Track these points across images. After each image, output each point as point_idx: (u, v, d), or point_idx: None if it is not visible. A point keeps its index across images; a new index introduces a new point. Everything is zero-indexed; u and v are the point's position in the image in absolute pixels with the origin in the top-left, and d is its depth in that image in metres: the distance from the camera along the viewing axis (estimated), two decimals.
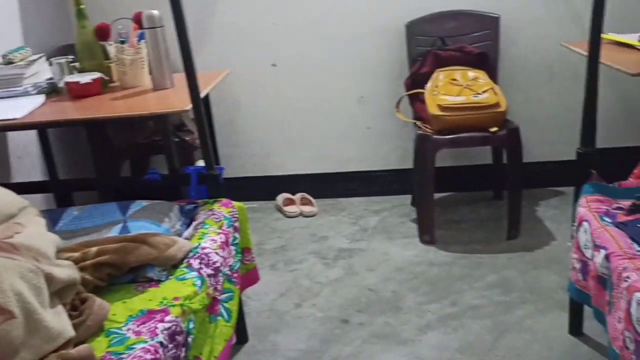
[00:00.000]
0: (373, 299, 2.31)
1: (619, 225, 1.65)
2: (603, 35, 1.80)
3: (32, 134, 2.58)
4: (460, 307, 2.22)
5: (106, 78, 2.23)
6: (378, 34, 2.95)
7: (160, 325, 1.39)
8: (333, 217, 3.02)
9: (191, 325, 1.50)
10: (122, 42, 2.21)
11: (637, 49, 2.08)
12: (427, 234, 2.69)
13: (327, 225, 2.94)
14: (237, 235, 1.90)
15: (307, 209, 3.06)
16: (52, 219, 1.81)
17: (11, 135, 2.46)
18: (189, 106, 1.90)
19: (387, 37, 2.94)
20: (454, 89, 2.57)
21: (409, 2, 2.87)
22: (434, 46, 2.82)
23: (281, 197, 3.14)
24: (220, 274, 1.71)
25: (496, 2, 2.84)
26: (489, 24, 2.84)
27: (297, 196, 3.13)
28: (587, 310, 1.88)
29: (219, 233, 1.79)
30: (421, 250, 2.63)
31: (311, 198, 3.13)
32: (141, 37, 2.21)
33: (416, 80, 2.75)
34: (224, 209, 1.90)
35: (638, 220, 1.65)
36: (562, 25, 2.83)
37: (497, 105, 2.50)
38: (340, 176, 3.19)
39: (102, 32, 2.24)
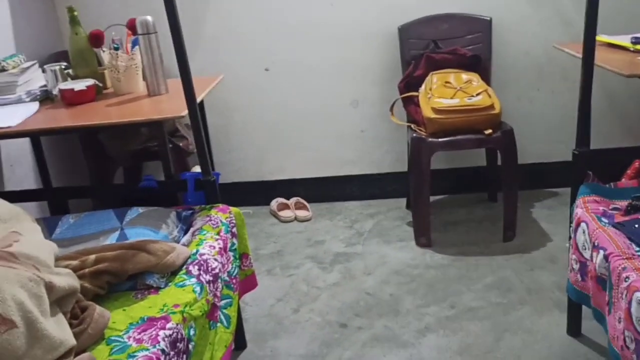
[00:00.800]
0: (371, 303, 2.31)
1: (617, 226, 1.66)
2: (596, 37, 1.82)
3: (25, 141, 2.55)
4: (459, 309, 2.22)
5: (100, 85, 2.22)
6: (371, 37, 2.96)
7: (162, 333, 1.38)
8: (328, 221, 3.02)
9: (192, 332, 1.49)
10: (116, 49, 2.20)
11: (629, 50, 2.10)
12: (423, 237, 2.69)
13: (323, 229, 2.94)
14: (235, 241, 1.89)
15: (301, 213, 3.06)
16: (48, 226, 1.80)
17: (3, 143, 2.44)
18: (185, 112, 1.90)
19: (381, 40, 2.95)
20: (447, 91, 2.58)
21: (402, 6, 2.88)
22: (427, 49, 2.83)
23: (275, 202, 3.13)
24: (219, 280, 1.70)
25: (487, 4, 2.86)
26: (481, 26, 2.85)
27: (292, 201, 3.13)
28: (585, 311, 1.89)
29: (217, 239, 1.78)
30: (418, 253, 2.64)
31: (306, 202, 3.12)
32: (135, 43, 2.20)
33: (410, 83, 2.76)
34: (221, 214, 1.90)
35: (635, 221, 1.67)
36: (551, 26, 2.85)
37: (491, 107, 2.51)
38: (335, 180, 3.19)
39: (96, 39, 2.23)
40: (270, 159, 3.19)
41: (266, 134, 3.15)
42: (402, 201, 3.08)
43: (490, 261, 2.51)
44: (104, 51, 2.28)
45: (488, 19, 2.85)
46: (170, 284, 1.58)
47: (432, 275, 2.46)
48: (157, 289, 1.57)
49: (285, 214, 3.06)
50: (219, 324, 1.68)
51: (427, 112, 2.55)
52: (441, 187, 3.07)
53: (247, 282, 2.02)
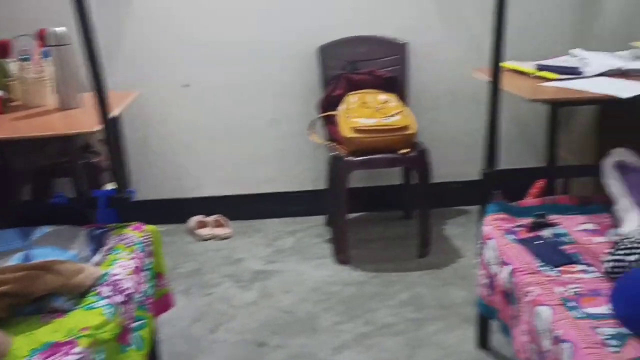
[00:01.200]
0: (289, 321, 2.31)
1: (521, 242, 1.75)
2: (503, 64, 1.92)
3: None
4: (374, 325, 2.25)
5: (7, 97, 2.11)
6: (291, 56, 2.99)
7: (67, 358, 1.32)
8: (248, 238, 3.00)
9: (101, 357, 1.43)
10: (25, 60, 2.11)
11: (534, 77, 2.23)
12: (341, 254, 2.73)
13: (242, 247, 2.91)
14: (150, 260, 1.84)
15: (221, 231, 3.02)
16: None
17: None
18: (97, 127, 1.84)
19: (300, 60, 2.99)
20: (365, 111, 2.64)
21: (322, 27, 2.93)
22: (345, 70, 2.89)
23: (194, 220, 3.08)
24: (133, 301, 1.65)
25: (404, 29, 2.96)
26: (398, 49, 2.95)
27: (211, 218, 3.09)
28: (494, 324, 1.97)
29: (131, 258, 1.73)
30: (335, 270, 2.66)
31: (225, 220, 3.09)
32: (45, 54, 2.12)
33: (329, 103, 2.81)
34: (135, 233, 1.84)
35: (537, 237, 1.77)
36: (464, 51, 2.98)
37: (407, 127, 2.59)
38: (254, 197, 3.18)
39: (2, 49, 2.12)
40: (189, 176, 3.14)
41: (185, 151, 3.10)
42: (322, 219, 3.11)
43: (405, 278, 2.57)
44: (11, 62, 2.18)
45: (404, 42, 2.95)
46: (78, 306, 1.52)
47: (349, 292, 2.49)
48: (65, 312, 1.50)
49: (204, 231, 3.01)
50: (130, 347, 1.62)
51: (345, 131, 2.59)
52: (359, 204, 3.12)
53: (163, 303, 1.97)
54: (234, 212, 3.14)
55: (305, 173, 3.16)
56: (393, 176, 3.11)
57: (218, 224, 3.07)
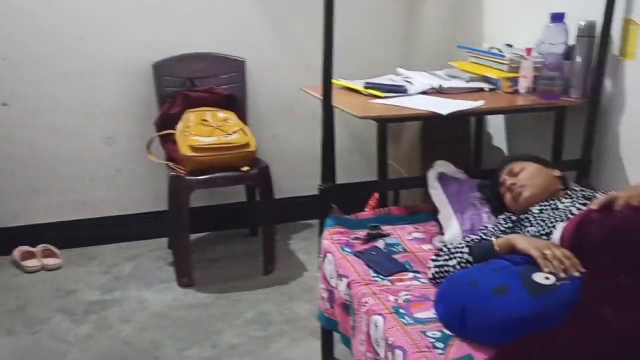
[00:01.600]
0: (129, 352, 2.18)
1: (357, 254, 1.81)
2: (334, 81, 1.98)
3: None
4: (220, 348, 2.20)
5: None
6: (125, 72, 2.86)
7: None
8: (81, 267, 2.79)
9: None
10: None
11: (364, 94, 2.33)
12: (184, 277, 2.64)
13: (75, 277, 2.71)
14: None
15: (50, 261, 2.78)
16: None
17: None
18: None
19: (135, 76, 2.86)
20: (205, 129, 2.60)
21: (156, 42, 2.84)
22: (183, 87, 2.82)
23: (18, 251, 2.81)
24: None
25: (241, 46, 2.96)
26: (235, 66, 2.94)
27: (38, 248, 2.83)
28: (338, 335, 2.01)
29: None
30: (179, 294, 2.57)
31: (55, 249, 2.85)
32: None
33: (166, 121, 2.72)
34: None
35: (372, 249, 1.84)
36: (299, 69, 3.04)
37: (247, 145, 2.59)
38: (88, 223, 2.98)
39: None
40: (11, 202, 2.87)
41: (7, 175, 2.83)
42: (164, 241, 2.99)
43: (251, 296, 2.55)
44: None
45: (242, 60, 2.95)
46: None
47: (194, 315, 2.41)
48: None
49: (29, 263, 2.76)
50: None
51: (184, 150, 2.53)
52: (203, 224, 3.05)
53: None
54: (66, 239, 2.91)
55: (143, 194, 3.03)
56: (236, 194, 3.08)
57: (47, 254, 2.82)
